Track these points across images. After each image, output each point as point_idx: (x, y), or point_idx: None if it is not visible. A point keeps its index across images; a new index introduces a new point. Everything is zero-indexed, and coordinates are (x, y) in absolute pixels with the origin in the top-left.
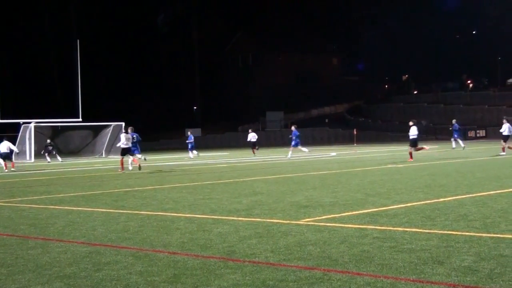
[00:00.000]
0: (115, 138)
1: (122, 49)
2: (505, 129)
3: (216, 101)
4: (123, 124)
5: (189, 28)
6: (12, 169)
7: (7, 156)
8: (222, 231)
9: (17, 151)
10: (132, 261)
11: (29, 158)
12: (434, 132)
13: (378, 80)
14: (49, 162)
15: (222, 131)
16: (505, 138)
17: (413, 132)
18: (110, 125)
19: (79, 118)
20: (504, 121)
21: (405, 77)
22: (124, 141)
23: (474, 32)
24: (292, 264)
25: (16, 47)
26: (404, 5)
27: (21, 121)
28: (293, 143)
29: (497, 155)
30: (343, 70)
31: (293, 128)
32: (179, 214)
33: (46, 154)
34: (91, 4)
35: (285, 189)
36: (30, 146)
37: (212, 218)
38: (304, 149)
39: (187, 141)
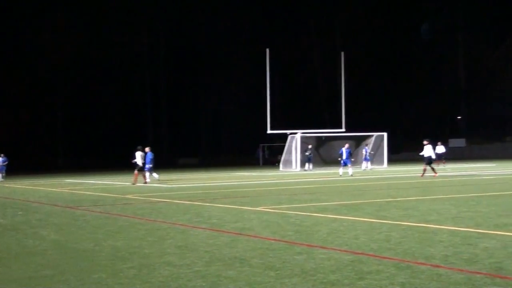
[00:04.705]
0: (377, 148)
1: (384, 59)
2: None
3: (483, 109)
4: (385, 134)
5: (453, 35)
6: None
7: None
8: (489, 246)
9: None
10: (394, 271)
11: (295, 167)
12: None
13: None
14: (306, 170)
15: (489, 141)
16: None
17: None
18: (372, 135)
19: (342, 128)
20: None
21: None
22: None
23: None
24: None
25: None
26: None
27: (288, 131)
28: None
29: None
30: None
31: None
32: (441, 226)
33: (306, 162)
34: (354, 18)
35: None
36: (296, 155)
37: (477, 232)
38: None
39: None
